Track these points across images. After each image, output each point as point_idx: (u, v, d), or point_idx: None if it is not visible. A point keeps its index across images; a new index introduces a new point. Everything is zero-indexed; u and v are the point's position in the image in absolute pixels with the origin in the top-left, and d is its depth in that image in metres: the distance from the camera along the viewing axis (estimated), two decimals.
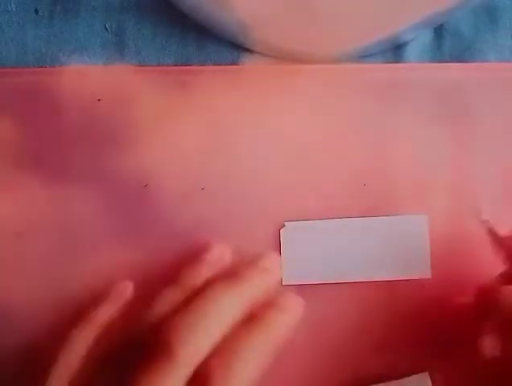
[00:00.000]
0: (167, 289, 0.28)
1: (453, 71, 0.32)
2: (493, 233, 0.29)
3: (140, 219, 0.31)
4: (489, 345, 0.27)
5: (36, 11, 0.32)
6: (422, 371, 0.30)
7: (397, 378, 0.30)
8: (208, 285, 0.27)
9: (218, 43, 0.32)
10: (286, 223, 0.31)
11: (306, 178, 0.32)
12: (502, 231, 0.30)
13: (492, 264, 0.28)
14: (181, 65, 0.32)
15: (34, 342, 0.31)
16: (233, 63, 0.32)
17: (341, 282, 0.31)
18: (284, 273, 0.31)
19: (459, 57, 0.33)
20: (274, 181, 0.32)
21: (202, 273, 0.28)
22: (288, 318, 0.27)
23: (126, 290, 0.30)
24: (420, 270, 0.31)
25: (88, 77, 0.32)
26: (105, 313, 0.29)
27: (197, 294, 0.26)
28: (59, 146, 0.32)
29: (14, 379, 0.31)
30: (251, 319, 0.26)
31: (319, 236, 0.31)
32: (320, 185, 0.32)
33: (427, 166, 0.32)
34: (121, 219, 0.31)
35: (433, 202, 0.32)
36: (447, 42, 0.33)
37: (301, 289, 0.31)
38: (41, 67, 0.32)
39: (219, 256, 0.30)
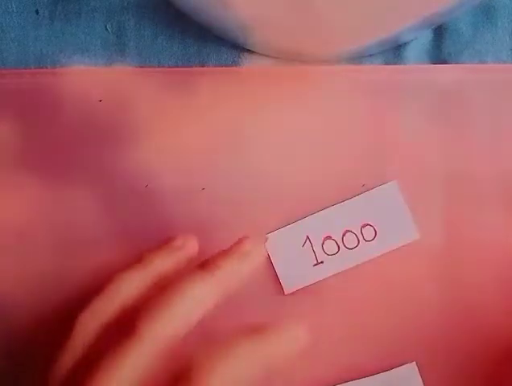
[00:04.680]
0: (131, 270, 0.28)
1: (452, 72, 0.32)
2: None
3: (140, 220, 0.31)
4: None
5: (37, 12, 0.32)
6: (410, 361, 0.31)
7: (385, 370, 0.31)
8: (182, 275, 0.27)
9: (219, 44, 0.32)
10: (268, 235, 0.31)
11: (306, 179, 0.32)
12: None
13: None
14: (182, 66, 0.32)
15: (33, 342, 0.31)
16: (234, 63, 0.32)
17: (336, 273, 0.31)
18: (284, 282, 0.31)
19: (458, 57, 0.33)
20: (274, 181, 0.32)
21: (165, 258, 0.29)
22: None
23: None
24: (407, 234, 0.31)
25: (89, 78, 0.32)
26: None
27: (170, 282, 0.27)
28: (59, 147, 0.32)
29: (13, 378, 0.31)
30: None
31: (304, 235, 0.31)
32: (320, 185, 0.32)
33: (427, 167, 0.32)
34: (122, 219, 0.31)
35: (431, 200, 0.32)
36: (446, 42, 0.33)
37: (303, 292, 0.31)
38: (42, 67, 0.32)
39: (184, 244, 0.30)
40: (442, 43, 0.33)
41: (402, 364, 0.31)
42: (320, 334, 0.31)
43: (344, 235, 0.31)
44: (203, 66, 0.33)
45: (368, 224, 0.31)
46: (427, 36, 0.33)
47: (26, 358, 0.31)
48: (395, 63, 0.33)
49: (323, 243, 0.31)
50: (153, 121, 0.32)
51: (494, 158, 0.32)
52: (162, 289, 0.27)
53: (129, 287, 0.28)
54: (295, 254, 0.31)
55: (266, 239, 0.31)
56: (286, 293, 0.31)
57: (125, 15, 0.32)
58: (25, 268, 0.31)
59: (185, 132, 0.32)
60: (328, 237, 0.31)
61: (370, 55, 0.33)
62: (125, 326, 0.26)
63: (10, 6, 0.32)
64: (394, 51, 0.33)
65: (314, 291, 0.31)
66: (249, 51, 0.32)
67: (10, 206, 0.32)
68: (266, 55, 0.32)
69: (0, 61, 0.32)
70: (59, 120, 0.32)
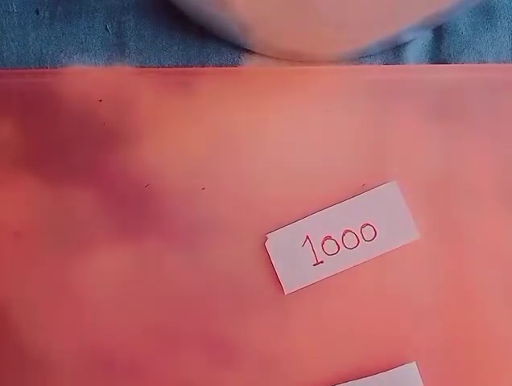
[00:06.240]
0: None
1: (452, 72, 0.32)
2: None
3: (140, 220, 0.31)
4: None
5: (37, 12, 0.32)
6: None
7: (385, 370, 0.31)
8: None
9: (219, 44, 0.32)
10: (268, 235, 0.31)
11: (306, 178, 0.32)
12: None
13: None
14: (182, 66, 0.32)
15: (33, 342, 0.31)
16: (234, 64, 0.33)
17: (336, 273, 0.31)
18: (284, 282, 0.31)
19: (458, 57, 0.33)
20: (274, 181, 0.32)
21: None
22: None
23: None
24: (407, 234, 0.31)
25: (89, 78, 0.32)
26: None
27: None
28: (59, 147, 0.32)
29: (13, 379, 0.31)
30: None
31: (304, 235, 0.31)
32: (320, 185, 0.32)
33: (427, 167, 0.32)
34: (122, 219, 0.31)
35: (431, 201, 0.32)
36: (446, 42, 0.33)
37: (303, 292, 0.31)
38: (42, 67, 0.32)
39: None
40: (442, 43, 0.33)
41: (402, 364, 0.31)
42: (320, 333, 0.31)
43: (344, 235, 0.31)
44: (203, 66, 0.33)
45: (368, 224, 0.31)
46: (427, 36, 0.33)
47: (27, 357, 0.31)
48: (395, 63, 0.33)
49: (323, 243, 0.31)
50: (153, 121, 0.32)
51: (494, 157, 0.32)
52: None
53: None
54: (295, 254, 0.31)
55: (266, 239, 0.31)
56: (286, 293, 0.31)
57: (126, 15, 0.32)
58: (24, 268, 0.31)
59: (185, 132, 0.32)
60: (328, 237, 0.31)
61: (370, 55, 0.33)
62: None
63: (10, 6, 0.32)
64: (394, 51, 0.33)
65: (314, 291, 0.31)
66: (249, 51, 0.32)
67: (9, 205, 0.32)
68: (266, 55, 0.32)
69: (0, 61, 0.32)
70: (59, 120, 0.32)
